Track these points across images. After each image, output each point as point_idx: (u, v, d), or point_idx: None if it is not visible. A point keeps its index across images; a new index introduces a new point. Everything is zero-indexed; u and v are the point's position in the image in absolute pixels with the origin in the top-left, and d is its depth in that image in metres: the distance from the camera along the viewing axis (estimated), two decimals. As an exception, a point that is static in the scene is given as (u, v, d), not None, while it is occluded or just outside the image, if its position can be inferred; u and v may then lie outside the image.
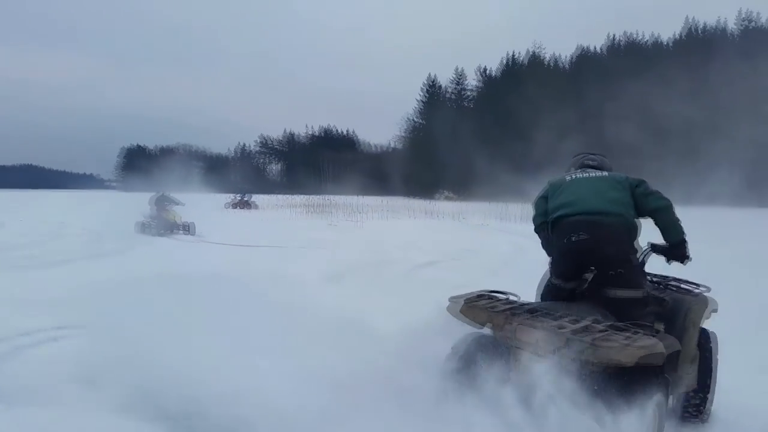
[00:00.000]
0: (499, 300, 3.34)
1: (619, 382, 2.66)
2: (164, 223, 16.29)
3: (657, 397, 2.72)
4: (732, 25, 54.57)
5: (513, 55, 65.93)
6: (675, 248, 3.45)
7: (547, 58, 64.45)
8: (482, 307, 3.19)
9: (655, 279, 3.76)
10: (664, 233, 3.44)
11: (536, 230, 3.85)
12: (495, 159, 54.11)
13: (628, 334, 2.67)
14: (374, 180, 63.52)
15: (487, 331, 3.16)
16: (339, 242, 14.20)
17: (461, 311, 3.28)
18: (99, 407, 3.26)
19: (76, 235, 15.53)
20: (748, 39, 50.78)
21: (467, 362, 3.07)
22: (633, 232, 3.38)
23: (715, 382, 3.65)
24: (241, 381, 3.13)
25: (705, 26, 55.86)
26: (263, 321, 3.80)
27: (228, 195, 38.80)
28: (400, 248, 12.79)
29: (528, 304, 3.33)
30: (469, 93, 70.91)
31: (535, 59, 63.94)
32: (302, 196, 37.82)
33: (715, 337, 3.71)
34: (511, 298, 3.41)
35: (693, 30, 56.26)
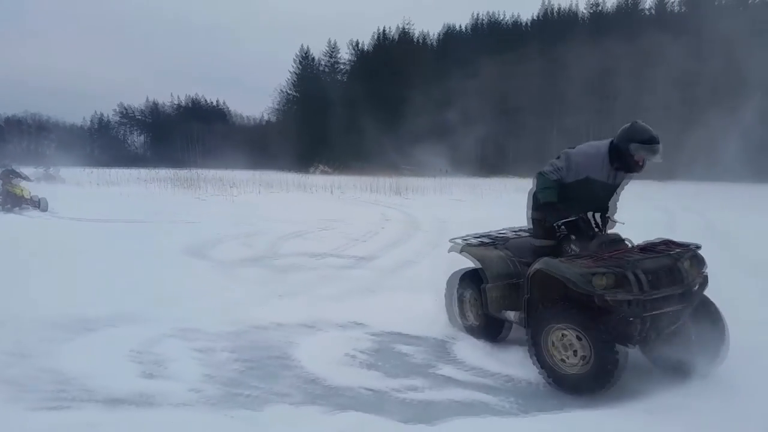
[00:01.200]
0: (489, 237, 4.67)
1: None
2: (11, 199, 15.10)
3: None
4: (582, 9, 59.26)
5: (384, 31, 66.79)
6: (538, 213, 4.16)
7: (416, 35, 66.05)
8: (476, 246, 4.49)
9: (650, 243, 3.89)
10: None
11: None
12: (369, 133, 54.91)
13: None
14: (248, 154, 61.92)
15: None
16: (207, 215, 13.92)
17: (462, 251, 4.64)
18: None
19: None
20: (595, 22, 55.44)
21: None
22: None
23: None
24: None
25: (560, 9, 60.12)
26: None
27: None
28: (270, 220, 12.83)
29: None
30: (342, 66, 70.86)
31: (404, 35, 65.21)
32: (169, 170, 36.01)
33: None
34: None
35: (549, 12, 60.24)
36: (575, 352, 3.43)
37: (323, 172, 53.12)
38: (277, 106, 75.54)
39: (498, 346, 4.34)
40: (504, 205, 18.46)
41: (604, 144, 3.89)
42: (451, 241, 4.90)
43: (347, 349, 4.28)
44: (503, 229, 4.97)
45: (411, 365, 3.99)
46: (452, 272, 4.90)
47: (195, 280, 6.75)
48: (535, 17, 60.77)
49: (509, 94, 50.65)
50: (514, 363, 3.94)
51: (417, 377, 3.74)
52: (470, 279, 4.62)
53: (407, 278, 6.92)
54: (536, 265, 3.71)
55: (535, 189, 4.02)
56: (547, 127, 48.55)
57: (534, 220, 4.13)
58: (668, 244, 3.76)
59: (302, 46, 70.87)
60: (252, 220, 12.90)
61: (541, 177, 3.92)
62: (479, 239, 4.76)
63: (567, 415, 3.18)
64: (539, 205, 3.97)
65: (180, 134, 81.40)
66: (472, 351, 4.24)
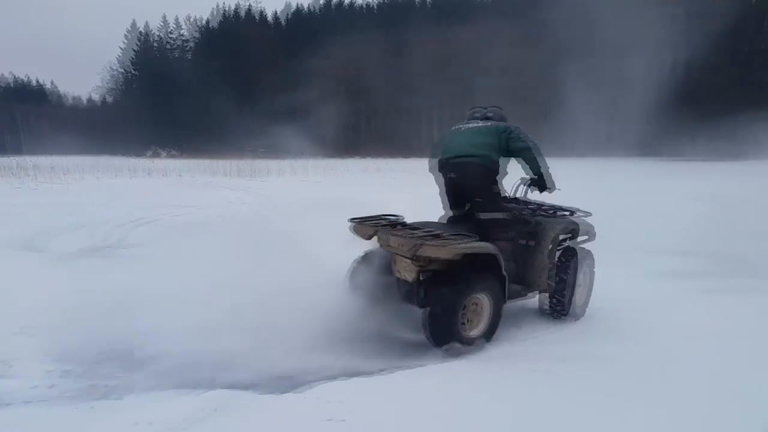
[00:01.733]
0: (384, 219, 4.44)
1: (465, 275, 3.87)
2: None
3: (495, 287, 3.99)
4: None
5: (233, 9, 64.51)
6: (536, 180, 4.42)
7: (266, 14, 64.52)
8: (369, 225, 4.25)
9: (531, 206, 4.76)
10: (527, 168, 4.38)
11: (430, 170, 4.67)
12: (220, 115, 52.97)
13: (455, 239, 3.76)
14: (85, 137, 56.90)
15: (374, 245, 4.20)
16: (34, 206, 12.56)
17: (352, 228, 4.38)
18: None
19: None
20: (438, 7, 57.96)
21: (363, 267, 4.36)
22: (491, 168, 4.27)
23: (572, 287, 4.71)
24: None
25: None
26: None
27: None
28: (111, 208, 11.99)
29: (406, 223, 4.37)
30: (185, 44, 67.18)
31: (250, 13, 63.42)
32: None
33: (586, 254, 4.91)
34: (400, 219, 4.46)
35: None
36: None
37: (171, 156, 50.40)
38: (111, 85, 69.87)
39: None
40: (363, 184, 18.95)
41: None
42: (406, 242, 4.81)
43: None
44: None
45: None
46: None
47: (25, 274, 6.17)
48: (382, 1, 62.03)
49: (361, 76, 51.54)
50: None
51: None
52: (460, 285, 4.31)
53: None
54: (558, 229, 4.53)
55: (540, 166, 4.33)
56: (396, 110, 50.25)
57: (497, 195, 4.39)
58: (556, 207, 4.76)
59: (133, 21, 66.13)
60: (90, 209, 11.94)
61: (537, 148, 4.31)
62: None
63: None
64: (547, 173, 4.40)
65: (2, 119, 72.42)
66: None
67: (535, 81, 42.86)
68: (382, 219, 4.45)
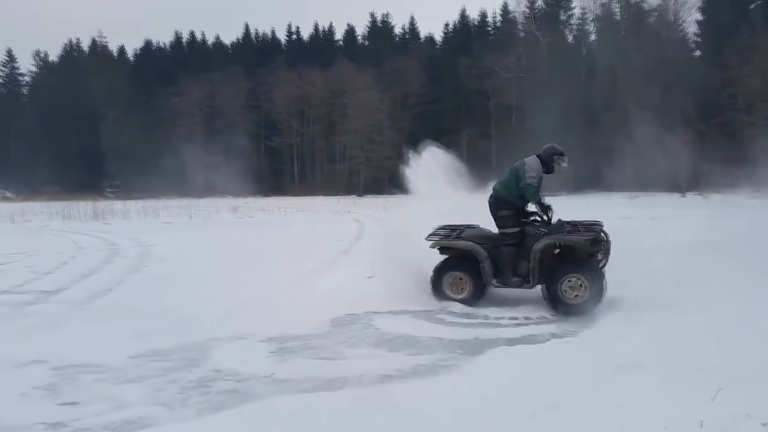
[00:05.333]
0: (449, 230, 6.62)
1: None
2: None
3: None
4: (282, 36, 62.14)
5: (74, 43, 60.50)
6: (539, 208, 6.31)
7: (113, 49, 61.31)
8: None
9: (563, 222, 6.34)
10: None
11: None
12: (62, 153, 49.22)
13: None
14: None
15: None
16: None
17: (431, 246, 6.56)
18: None
19: None
20: (292, 48, 58.85)
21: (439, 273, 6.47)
22: (502, 200, 6.35)
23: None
24: None
25: (259, 34, 61.95)
26: None
27: None
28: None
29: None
30: (22, 79, 61.80)
31: (96, 48, 60.00)
32: None
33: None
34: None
35: (253, 36, 61.69)
36: (580, 289, 5.81)
37: (5, 199, 45.55)
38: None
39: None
40: (214, 226, 18.57)
41: (534, 157, 6.33)
42: (427, 239, 6.60)
43: (24, 387, 4.05)
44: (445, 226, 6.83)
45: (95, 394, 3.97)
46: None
47: None
48: (236, 40, 61.56)
49: (217, 114, 50.71)
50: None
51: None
52: (448, 267, 6.43)
53: (98, 308, 6.67)
54: (545, 241, 5.99)
55: (525, 195, 6.28)
56: (254, 148, 49.95)
57: (506, 217, 6.31)
58: (577, 224, 6.23)
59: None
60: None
61: (530, 188, 6.17)
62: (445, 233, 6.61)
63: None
64: (538, 204, 6.28)
65: None
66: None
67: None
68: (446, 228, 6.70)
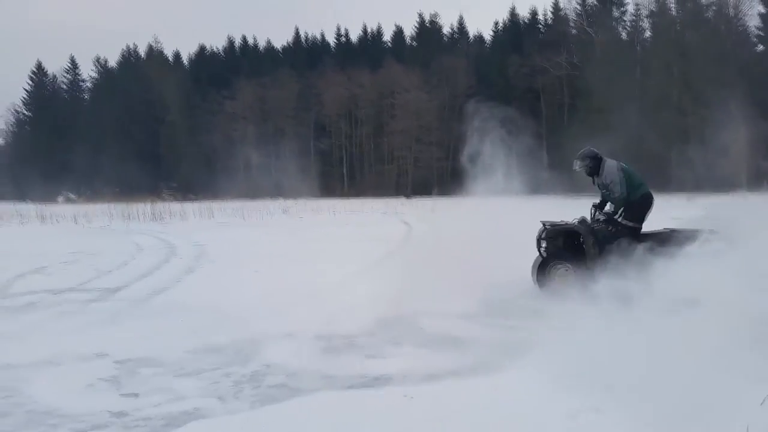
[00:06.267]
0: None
1: None
2: None
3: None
4: (332, 38, 62.97)
5: (132, 49, 63.02)
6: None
7: (169, 54, 63.52)
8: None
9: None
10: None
11: (621, 198, 6.56)
12: (122, 156, 51.28)
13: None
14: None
15: None
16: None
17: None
18: None
19: None
20: (341, 50, 59.49)
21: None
22: None
23: None
24: None
25: (308, 36, 62.97)
26: None
27: None
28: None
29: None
30: (83, 84, 64.75)
31: (152, 53, 62.24)
32: None
33: None
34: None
35: (302, 39, 62.79)
36: None
37: (69, 200, 47.79)
38: (9, 128, 65.83)
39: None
40: (265, 227, 19.03)
41: None
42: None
43: (89, 379, 4.33)
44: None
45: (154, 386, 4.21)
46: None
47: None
48: (286, 44, 62.75)
49: (268, 116, 51.77)
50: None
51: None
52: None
53: (157, 305, 7.01)
54: None
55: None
56: (304, 150, 50.75)
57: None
58: None
59: (38, 61, 63.07)
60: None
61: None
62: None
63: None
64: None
65: None
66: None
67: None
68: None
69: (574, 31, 47.69)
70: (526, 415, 3.28)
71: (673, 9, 44.38)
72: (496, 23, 57.03)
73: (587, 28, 45.42)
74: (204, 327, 5.62)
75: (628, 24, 47.41)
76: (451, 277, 6.86)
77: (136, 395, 3.96)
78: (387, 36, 61.48)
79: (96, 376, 4.39)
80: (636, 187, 6.63)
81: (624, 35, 47.23)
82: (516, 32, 54.14)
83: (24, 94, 63.21)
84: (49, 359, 4.83)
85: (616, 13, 47.36)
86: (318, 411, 3.48)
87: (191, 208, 26.91)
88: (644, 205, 6.64)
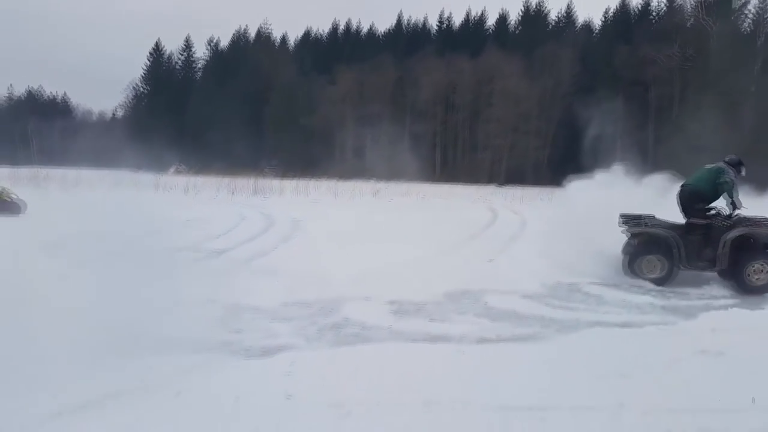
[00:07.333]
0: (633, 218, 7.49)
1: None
2: None
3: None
4: (434, 24, 63.17)
5: (244, 31, 66.41)
6: (731, 203, 7.27)
7: (277, 37, 66.38)
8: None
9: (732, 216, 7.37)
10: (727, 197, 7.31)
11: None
12: (228, 133, 54.33)
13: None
14: (96, 151, 58.33)
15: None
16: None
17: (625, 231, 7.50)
18: None
19: None
20: (443, 37, 59.58)
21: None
22: (698, 194, 7.41)
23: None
24: None
25: (410, 22, 63.54)
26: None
27: None
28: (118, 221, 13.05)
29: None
30: (196, 64, 69.13)
31: (261, 36, 65.22)
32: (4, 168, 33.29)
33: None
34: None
35: (404, 25, 63.53)
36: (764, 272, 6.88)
37: (179, 172, 51.58)
38: (129, 102, 71.71)
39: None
40: (355, 206, 20.05)
41: (723, 163, 7.52)
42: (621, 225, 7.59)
43: (202, 319, 5.28)
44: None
45: (254, 326, 5.09)
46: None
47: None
48: (388, 29, 63.69)
49: (366, 101, 52.96)
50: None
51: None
52: (642, 251, 7.37)
53: (257, 266, 8.04)
54: (738, 232, 7.03)
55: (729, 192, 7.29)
56: (399, 134, 51.59)
57: (700, 210, 7.39)
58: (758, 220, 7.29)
59: (158, 40, 68.08)
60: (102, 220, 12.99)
61: (727, 184, 7.22)
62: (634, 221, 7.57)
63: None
64: (732, 200, 7.28)
65: (15, 130, 74.20)
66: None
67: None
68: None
69: (690, 22, 45.01)
70: (559, 377, 3.81)
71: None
72: (606, 11, 54.93)
73: (704, 18, 42.73)
74: (296, 286, 6.49)
75: (752, 15, 44.14)
76: (524, 262, 7.37)
77: (239, 331, 4.87)
78: (491, 22, 60.92)
79: (208, 317, 5.35)
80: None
81: (746, 26, 44.04)
82: (626, 21, 51.91)
83: (143, 72, 68.55)
84: (170, 303, 5.86)
85: (736, 4, 44.20)
86: (382, 355, 4.20)
87: (289, 185, 28.54)
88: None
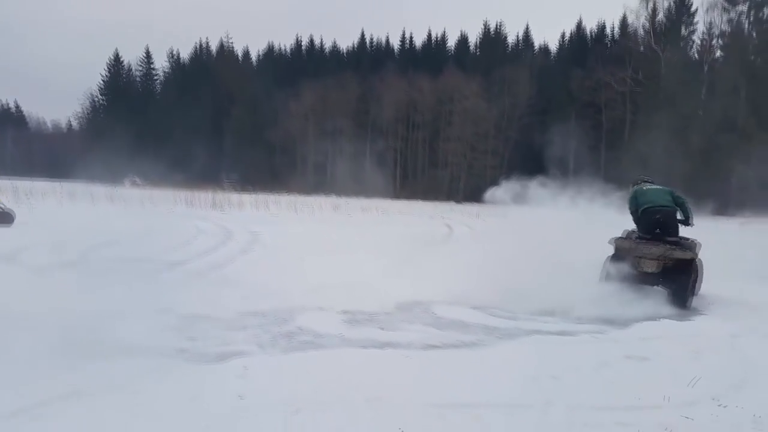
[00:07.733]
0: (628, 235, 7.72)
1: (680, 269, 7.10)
2: None
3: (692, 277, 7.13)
4: (396, 42, 64.25)
5: (206, 44, 66.12)
6: (686, 220, 7.56)
7: (238, 51, 66.33)
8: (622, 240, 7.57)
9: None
10: (684, 214, 7.56)
11: (632, 213, 7.81)
12: (187, 146, 53.77)
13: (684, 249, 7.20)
14: (49, 162, 56.96)
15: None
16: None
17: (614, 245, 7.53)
18: None
19: None
20: (404, 56, 60.63)
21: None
22: (673, 213, 7.47)
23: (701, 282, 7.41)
24: None
25: (373, 41, 64.50)
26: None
27: None
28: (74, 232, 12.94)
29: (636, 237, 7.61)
30: (156, 76, 68.38)
31: (223, 49, 65.10)
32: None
33: (701, 262, 7.40)
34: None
35: (367, 43, 64.37)
36: None
37: (134, 185, 50.66)
38: (85, 112, 70.29)
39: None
40: (315, 221, 20.20)
41: None
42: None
43: (158, 326, 5.40)
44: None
45: (209, 334, 5.25)
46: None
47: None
48: (351, 46, 64.48)
49: (329, 116, 53.35)
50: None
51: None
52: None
53: (214, 278, 8.15)
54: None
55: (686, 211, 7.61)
56: (361, 151, 52.12)
57: (677, 227, 7.55)
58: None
59: (116, 50, 67.10)
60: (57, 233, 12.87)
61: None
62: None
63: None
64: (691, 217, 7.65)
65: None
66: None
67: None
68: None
69: (641, 48, 47.12)
70: (495, 378, 4.10)
71: (746, 30, 43.24)
72: (563, 35, 57.00)
73: (654, 45, 44.78)
74: (251, 297, 6.67)
75: (698, 43, 46.48)
76: (475, 273, 7.69)
77: (194, 339, 5.02)
78: (451, 42, 62.31)
79: (164, 325, 5.47)
80: (640, 205, 7.62)
81: (694, 54, 46.31)
82: (582, 45, 53.97)
83: (101, 82, 67.37)
84: (125, 311, 5.95)
85: (685, 32, 46.48)
86: (332, 359, 4.42)
87: (248, 199, 28.46)
88: (643, 220, 7.65)
